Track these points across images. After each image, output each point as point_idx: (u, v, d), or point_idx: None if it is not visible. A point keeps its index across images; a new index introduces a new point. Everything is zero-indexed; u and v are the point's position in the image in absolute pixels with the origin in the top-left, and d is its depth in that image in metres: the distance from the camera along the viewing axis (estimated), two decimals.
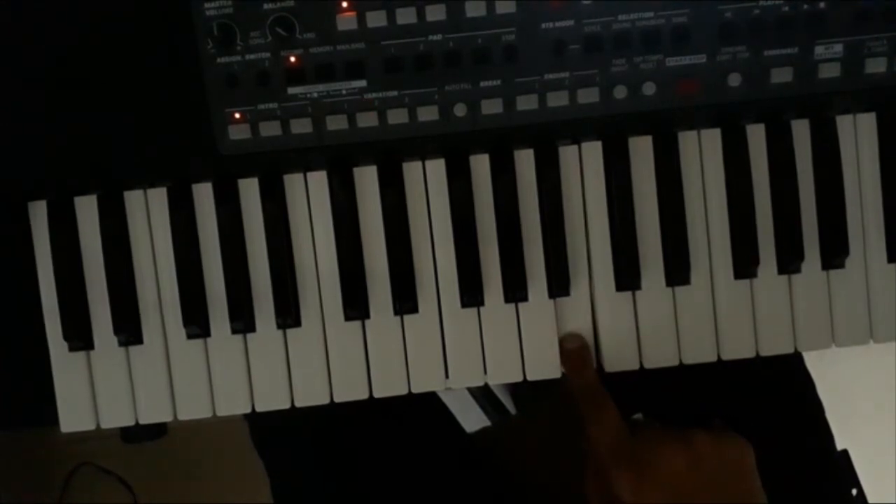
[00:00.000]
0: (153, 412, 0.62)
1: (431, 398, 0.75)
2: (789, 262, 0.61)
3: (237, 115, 0.58)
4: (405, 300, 0.61)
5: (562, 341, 0.61)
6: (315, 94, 0.58)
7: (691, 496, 0.54)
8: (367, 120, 0.58)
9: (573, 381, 0.61)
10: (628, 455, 0.57)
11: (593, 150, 0.61)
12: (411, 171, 0.61)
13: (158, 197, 0.61)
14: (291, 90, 0.58)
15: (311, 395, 0.61)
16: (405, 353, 0.61)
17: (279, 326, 0.61)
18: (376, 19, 0.57)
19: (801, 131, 0.60)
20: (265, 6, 0.56)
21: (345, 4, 0.57)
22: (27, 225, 0.61)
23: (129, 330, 0.61)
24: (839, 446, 0.73)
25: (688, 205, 0.61)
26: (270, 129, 0.58)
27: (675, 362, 0.61)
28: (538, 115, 0.58)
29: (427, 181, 0.61)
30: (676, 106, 0.58)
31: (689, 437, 0.56)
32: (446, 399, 0.75)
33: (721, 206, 0.61)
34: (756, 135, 0.61)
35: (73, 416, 0.62)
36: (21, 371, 0.62)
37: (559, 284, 0.60)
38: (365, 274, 0.60)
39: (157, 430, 0.65)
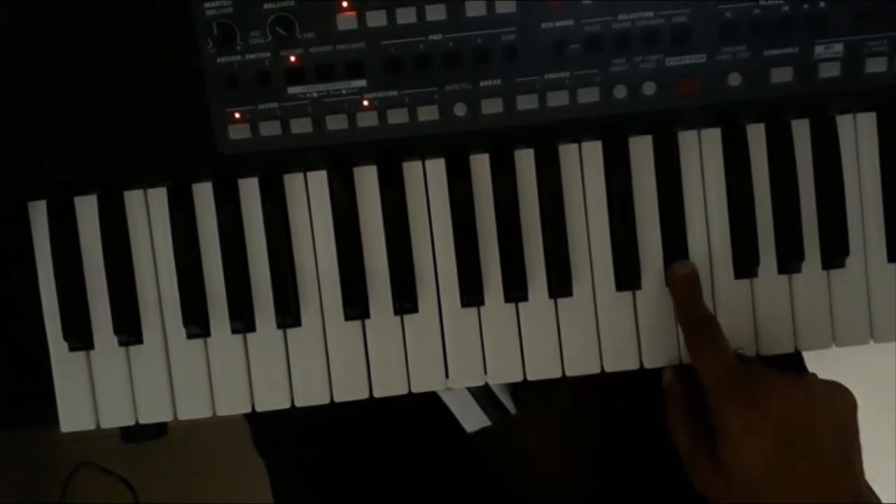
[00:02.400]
0: (153, 412, 0.62)
1: (431, 398, 0.75)
2: (789, 261, 0.61)
3: (237, 115, 0.58)
4: (405, 300, 0.61)
5: (673, 266, 0.60)
6: (315, 94, 0.58)
7: (800, 434, 0.53)
8: (367, 120, 0.58)
9: (681, 309, 0.60)
10: (742, 385, 0.55)
11: (593, 150, 0.61)
12: (411, 171, 0.61)
13: (158, 197, 0.61)
14: (291, 90, 0.58)
15: (311, 395, 0.61)
16: (405, 353, 0.61)
17: (279, 326, 0.61)
18: (376, 19, 0.57)
19: (801, 131, 0.60)
20: (265, 6, 0.56)
21: (345, 4, 0.57)
22: (27, 225, 0.61)
23: (129, 330, 0.61)
24: None
25: (688, 205, 0.61)
26: (270, 128, 0.58)
27: (676, 362, 0.61)
28: (538, 115, 0.58)
29: (427, 181, 0.61)
30: (676, 106, 0.58)
31: (802, 378, 0.55)
32: (446, 399, 0.75)
33: (721, 206, 0.61)
34: (756, 135, 0.61)
35: (73, 416, 0.62)
36: (21, 371, 0.62)
37: (559, 284, 0.60)
38: (365, 274, 0.60)
39: (157, 430, 0.65)
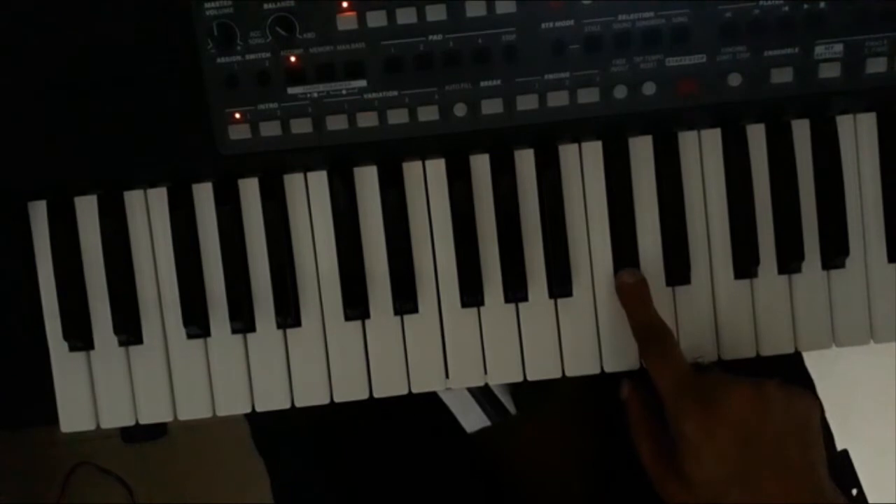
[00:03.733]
0: (153, 412, 0.62)
1: (431, 398, 0.75)
2: (789, 261, 0.61)
3: (237, 115, 0.58)
4: (405, 300, 0.61)
5: (619, 275, 0.60)
6: (315, 94, 0.58)
7: (760, 443, 0.53)
8: (367, 120, 0.58)
9: (630, 317, 0.60)
10: (696, 390, 0.55)
11: (593, 150, 0.61)
12: (411, 171, 0.61)
13: (158, 197, 0.61)
14: (291, 90, 0.58)
15: (311, 395, 0.61)
16: (405, 353, 0.61)
17: (279, 326, 0.61)
18: (376, 19, 0.57)
19: (801, 131, 0.61)
20: (265, 6, 0.56)
21: (345, 4, 0.57)
22: (27, 225, 0.61)
23: (129, 330, 0.61)
24: (839, 446, 0.73)
25: (688, 205, 0.61)
26: (270, 129, 0.58)
27: None
28: (538, 115, 0.58)
29: (427, 181, 0.61)
30: (676, 106, 0.58)
31: (761, 384, 0.54)
32: (446, 399, 0.75)
33: (721, 206, 0.61)
34: (756, 135, 0.61)
35: (73, 416, 0.62)
36: (21, 371, 0.62)
37: (559, 284, 0.60)
38: (365, 274, 0.61)
39: (157, 430, 0.65)
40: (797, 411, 0.55)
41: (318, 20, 0.57)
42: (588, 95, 0.58)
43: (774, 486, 0.53)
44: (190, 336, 0.61)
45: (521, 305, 0.61)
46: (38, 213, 0.61)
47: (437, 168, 0.61)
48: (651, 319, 0.59)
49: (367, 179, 0.61)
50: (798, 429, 0.54)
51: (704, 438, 0.53)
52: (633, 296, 0.60)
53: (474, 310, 0.61)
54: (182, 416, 0.62)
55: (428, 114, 0.58)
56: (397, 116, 0.58)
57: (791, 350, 0.61)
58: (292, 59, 0.57)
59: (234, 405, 0.62)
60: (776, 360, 0.62)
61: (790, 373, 0.74)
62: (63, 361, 0.61)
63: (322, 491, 0.72)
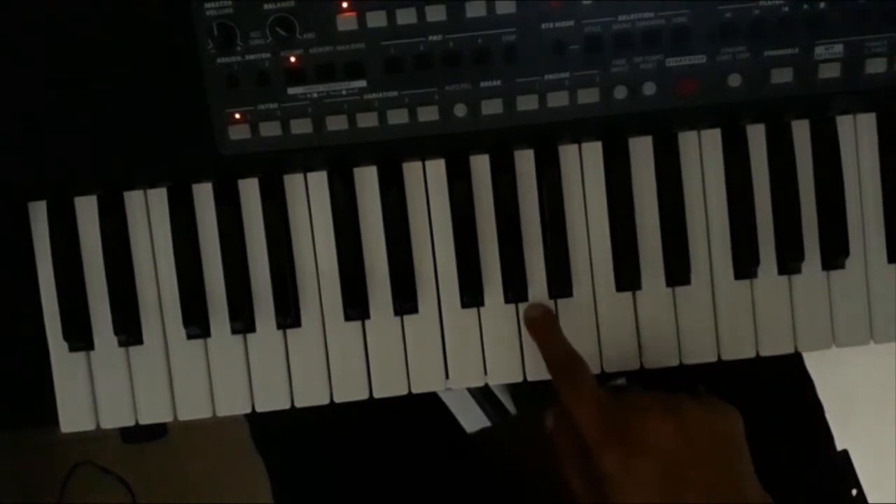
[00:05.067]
0: (153, 412, 0.62)
1: (431, 398, 0.75)
2: (789, 262, 0.61)
3: (237, 115, 0.58)
4: (405, 300, 0.61)
5: (525, 310, 0.60)
6: (315, 95, 0.58)
7: (681, 467, 0.52)
8: (367, 120, 0.58)
9: (543, 351, 0.59)
10: (612, 427, 0.53)
11: (593, 150, 0.61)
12: (411, 171, 0.61)
13: (158, 197, 0.61)
14: (291, 90, 0.58)
15: (311, 395, 0.61)
16: (405, 353, 0.61)
17: (279, 326, 0.61)
18: (376, 19, 0.57)
19: (801, 131, 0.61)
20: (265, 6, 0.56)
21: (345, 4, 0.57)
22: (27, 225, 0.61)
23: (129, 330, 0.61)
24: (839, 446, 0.73)
25: (688, 205, 0.61)
26: (270, 129, 0.58)
27: (676, 362, 0.61)
28: (538, 115, 0.58)
29: (427, 181, 0.61)
30: (676, 106, 0.58)
31: (675, 404, 0.53)
32: (446, 399, 0.75)
33: (721, 206, 0.61)
34: (756, 135, 0.61)
35: (73, 416, 0.62)
36: (21, 371, 0.62)
37: (559, 284, 0.60)
38: (365, 274, 0.61)
39: (157, 431, 0.65)
40: (715, 426, 0.53)
41: (318, 20, 0.57)
42: (588, 96, 0.58)
43: None
44: (190, 336, 0.61)
45: (522, 306, 0.61)
46: (38, 213, 0.61)
47: (437, 168, 0.61)
48: (562, 352, 0.58)
49: (367, 179, 0.61)
50: (718, 444, 0.53)
51: (625, 472, 0.52)
52: (541, 329, 0.60)
53: (474, 310, 0.61)
54: (182, 416, 0.62)
55: (428, 114, 0.58)
56: (397, 116, 0.58)
57: (791, 350, 0.61)
58: (292, 59, 0.57)
59: (234, 405, 0.62)
60: (776, 360, 0.62)
61: (790, 373, 0.74)
62: (63, 361, 0.61)
63: (322, 491, 0.72)
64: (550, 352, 0.59)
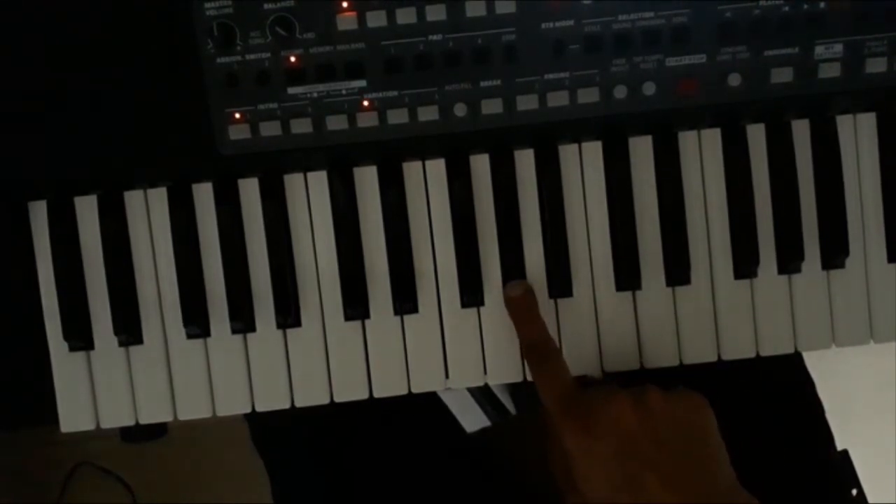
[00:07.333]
0: (153, 412, 0.62)
1: (431, 398, 0.75)
2: (789, 261, 0.61)
3: (237, 115, 0.58)
4: (405, 300, 0.61)
5: (506, 288, 0.60)
6: (315, 95, 0.58)
7: (640, 446, 0.53)
8: (367, 120, 0.58)
9: (519, 331, 0.59)
10: (576, 406, 0.55)
11: (593, 150, 0.61)
12: (411, 171, 0.61)
13: (158, 197, 0.61)
14: (291, 90, 0.58)
15: (311, 395, 0.61)
16: (405, 353, 0.61)
17: (279, 326, 0.61)
18: (376, 19, 0.57)
19: (801, 131, 0.61)
20: (265, 6, 0.56)
21: (345, 4, 0.57)
22: (27, 225, 0.61)
23: (129, 330, 0.61)
24: (839, 446, 0.73)
25: (688, 205, 0.61)
26: (270, 129, 0.58)
27: (676, 362, 0.61)
28: (538, 115, 0.58)
29: (427, 181, 0.61)
30: (676, 106, 0.58)
31: (639, 391, 0.54)
32: (446, 399, 0.75)
33: (721, 206, 0.61)
34: (756, 135, 0.61)
35: (73, 416, 0.62)
36: (21, 371, 0.62)
37: (559, 284, 0.60)
38: (365, 274, 0.61)
39: (157, 430, 0.65)
40: (678, 412, 0.54)
41: (318, 20, 0.57)
42: (588, 95, 0.58)
43: (660, 489, 0.52)
44: (190, 336, 0.61)
45: None
46: (38, 213, 0.61)
47: (437, 168, 0.61)
48: (538, 335, 0.59)
49: (367, 179, 0.61)
50: (682, 430, 0.54)
51: (585, 453, 0.53)
52: (520, 309, 0.59)
53: (474, 310, 0.61)
54: (182, 416, 0.62)
55: (428, 114, 0.58)
56: (397, 116, 0.58)
57: (791, 350, 0.61)
58: (292, 59, 0.57)
59: (234, 405, 0.62)
60: (776, 360, 0.62)
61: (790, 373, 0.74)
62: (63, 361, 0.61)
63: (322, 491, 0.72)
64: (528, 333, 0.59)
